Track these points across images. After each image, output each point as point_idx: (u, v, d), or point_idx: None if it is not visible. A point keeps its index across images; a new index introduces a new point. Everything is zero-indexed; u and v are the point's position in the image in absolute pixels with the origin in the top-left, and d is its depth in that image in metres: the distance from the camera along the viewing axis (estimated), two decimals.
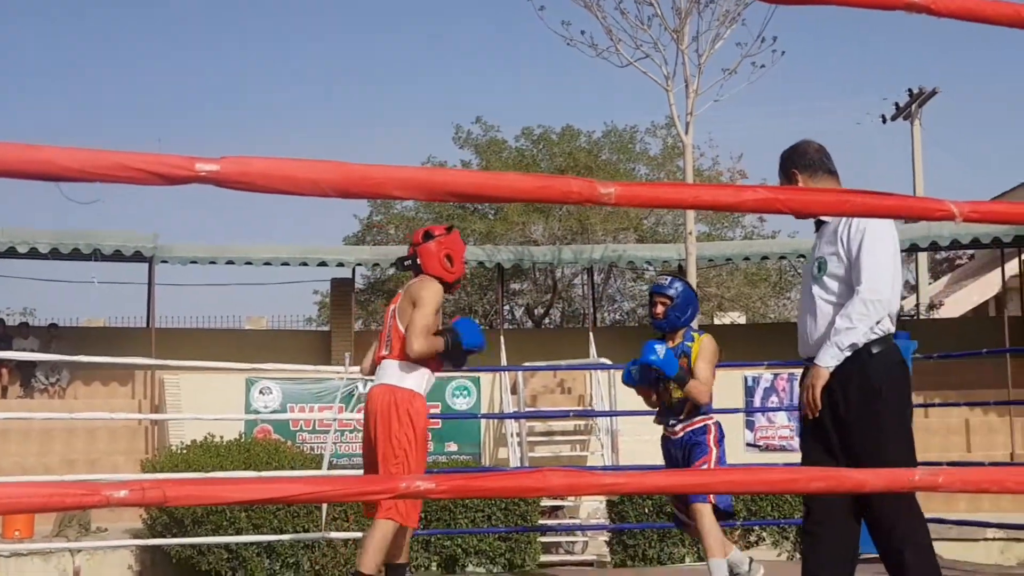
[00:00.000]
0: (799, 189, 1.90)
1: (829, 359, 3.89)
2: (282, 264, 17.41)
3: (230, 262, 17.14)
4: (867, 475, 1.86)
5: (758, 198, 1.83)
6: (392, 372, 5.05)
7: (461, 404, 14.97)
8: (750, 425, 15.32)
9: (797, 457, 15.03)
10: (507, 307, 24.39)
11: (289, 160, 1.71)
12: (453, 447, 14.67)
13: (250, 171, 1.68)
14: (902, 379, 3.98)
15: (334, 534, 8.37)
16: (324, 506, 7.88)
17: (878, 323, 3.91)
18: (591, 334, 16.66)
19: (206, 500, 1.61)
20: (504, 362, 16.30)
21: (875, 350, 3.92)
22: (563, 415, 14.75)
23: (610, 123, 26.62)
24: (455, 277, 5.17)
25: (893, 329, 3.97)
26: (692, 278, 13.07)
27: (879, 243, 3.89)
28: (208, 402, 13.30)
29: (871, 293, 3.86)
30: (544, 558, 11.04)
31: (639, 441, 13.87)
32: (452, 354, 5.03)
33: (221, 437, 11.09)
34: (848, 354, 3.89)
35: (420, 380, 5.06)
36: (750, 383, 15.44)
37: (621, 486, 1.79)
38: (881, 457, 3.79)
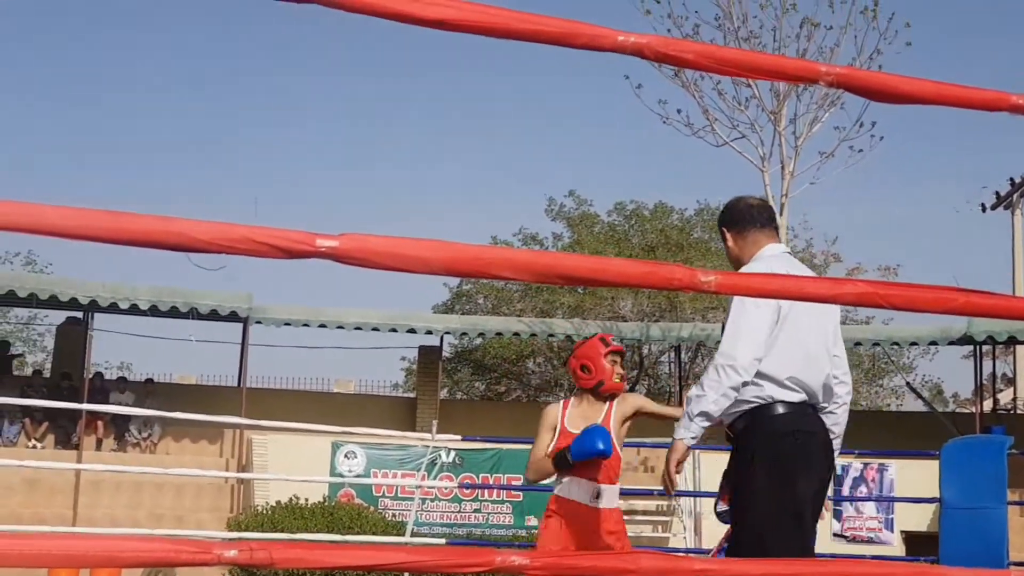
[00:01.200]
0: (901, 285, 1.91)
1: (682, 431, 3.64)
2: (372, 329, 17.61)
3: (322, 325, 17.41)
4: (960, 573, 1.86)
5: (858, 292, 1.85)
6: None
7: None
8: (838, 515, 15.03)
9: (886, 550, 14.76)
10: None
11: (405, 240, 1.78)
12: (532, 521, 14.61)
13: (367, 248, 1.75)
14: (783, 451, 3.59)
15: None
16: None
17: (760, 389, 3.59)
18: None
19: (312, 564, 1.67)
20: None
21: (741, 425, 3.65)
22: (646, 493, 14.60)
23: (703, 201, 26.58)
24: (593, 383, 5.09)
25: (795, 396, 3.62)
26: None
27: (738, 305, 3.59)
28: (294, 464, 13.46)
29: (721, 357, 3.60)
30: None
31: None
32: (563, 465, 4.96)
33: (306, 499, 11.19)
34: (704, 423, 3.60)
35: (563, 483, 5.09)
36: (840, 471, 15.17)
37: (710, 573, 1.81)
38: (743, 533, 3.60)
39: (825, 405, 3.76)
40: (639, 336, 18.67)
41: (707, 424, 3.64)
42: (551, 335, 19.23)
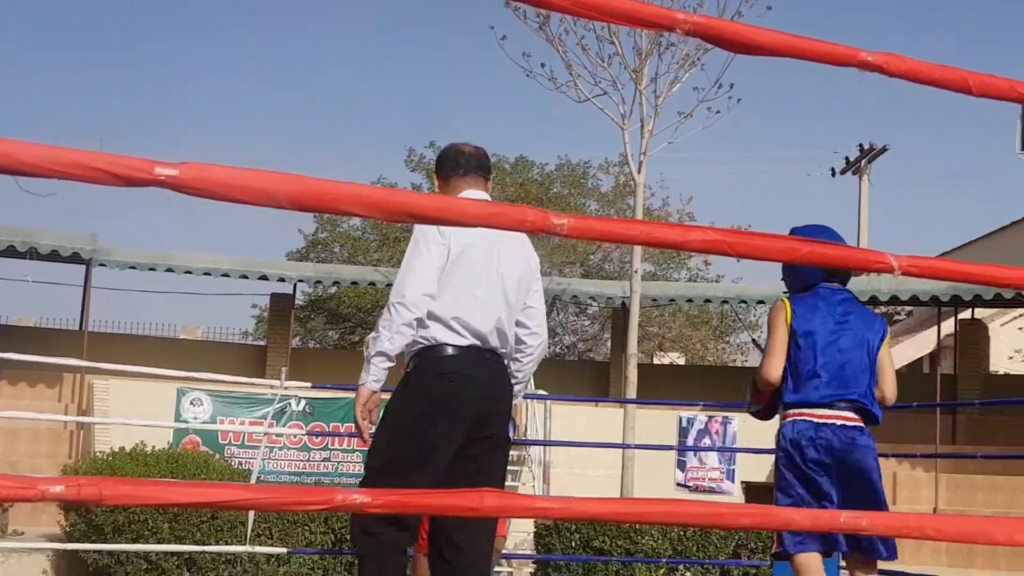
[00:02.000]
0: (748, 234, 1.94)
1: (364, 375, 3.67)
2: (222, 275, 17.27)
3: (169, 270, 16.99)
4: (795, 514, 1.90)
5: (706, 239, 1.87)
6: None
7: None
8: (682, 465, 15.42)
9: (727, 499, 15.27)
10: None
11: (249, 170, 1.72)
12: None
13: (209, 178, 1.69)
14: (433, 391, 3.66)
15: (258, 549, 8.30)
16: (250, 520, 7.81)
17: (427, 330, 3.65)
18: None
19: (143, 500, 1.61)
20: None
21: (411, 365, 3.72)
22: None
23: (563, 157, 26.75)
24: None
25: (459, 339, 3.66)
26: (635, 316, 13.15)
27: (412, 244, 3.70)
28: (138, 410, 13.14)
29: (393, 296, 3.65)
30: None
31: (571, 474, 13.93)
32: None
33: (152, 447, 10.96)
34: (383, 363, 3.62)
35: None
36: (684, 424, 15.55)
37: (551, 511, 1.82)
38: (370, 457, 3.72)
39: (504, 351, 3.79)
40: None
41: (387, 364, 3.64)
42: None
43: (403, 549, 3.76)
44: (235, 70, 47.65)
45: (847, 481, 4.29)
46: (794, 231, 4.43)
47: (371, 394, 3.67)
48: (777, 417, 4.56)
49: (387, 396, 3.86)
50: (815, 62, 1.85)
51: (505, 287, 3.75)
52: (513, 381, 3.88)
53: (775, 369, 4.36)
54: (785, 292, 4.52)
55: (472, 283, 3.68)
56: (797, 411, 4.34)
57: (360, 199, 1.82)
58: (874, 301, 17.75)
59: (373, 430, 3.79)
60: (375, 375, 3.65)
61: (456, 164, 3.90)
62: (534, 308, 3.86)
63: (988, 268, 2.02)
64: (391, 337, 3.59)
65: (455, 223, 1.91)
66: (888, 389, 4.45)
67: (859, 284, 16.24)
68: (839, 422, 4.32)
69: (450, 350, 3.66)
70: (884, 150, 28.04)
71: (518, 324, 3.84)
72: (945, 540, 1.94)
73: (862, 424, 4.40)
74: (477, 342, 3.69)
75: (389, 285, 17.97)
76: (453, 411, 3.65)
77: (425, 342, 3.68)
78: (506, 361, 3.84)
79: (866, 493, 4.30)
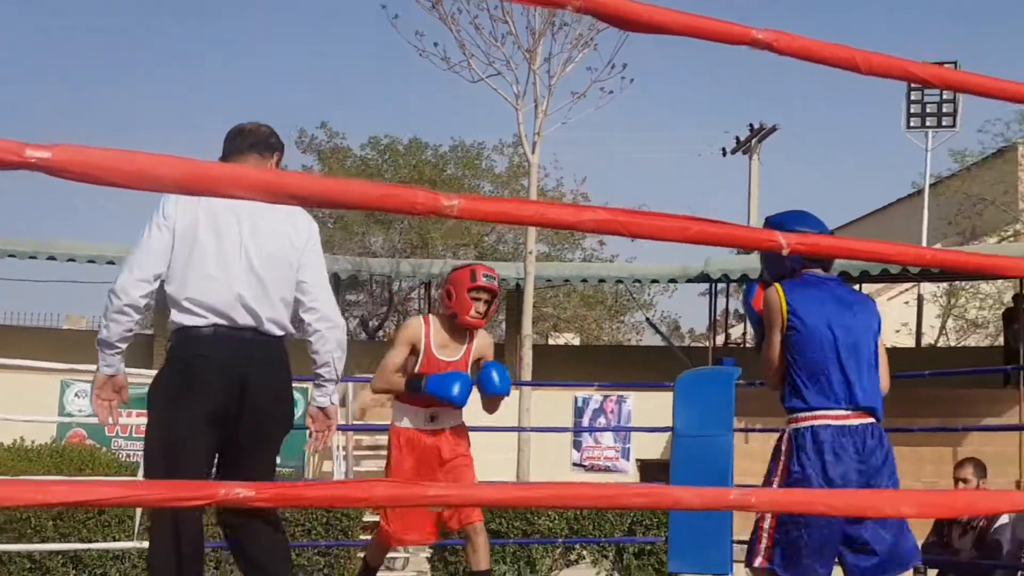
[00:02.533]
0: (640, 213, 1.92)
1: (98, 362, 3.63)
2: (107, 263, 16.84)
3: (51, 258, 16.50)
4: (686, 493, 1.90)
5: (598, 219, 1.85)
6: None
7: None
8: (577, 445, 15.52)
9: (622, 478, 15.36)
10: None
11: (127, 152, 1.65)
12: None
13: (85, 161, 1.61)
14: (170, 376, 3.64)
15: (147, 544, 8.10)
16: (138, 514, 7.62)
17: (172, 313, 3.64)
18: None
19: (15, 501, 1.53)
20: None
21: (169, 350, 3.71)
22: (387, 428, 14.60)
23: (457, 138, 26.67)
24: (449, 312, 5.01)
25: (195, 319, 3.62)
26: (529, 297, 13.18)
27: (145, 228, 3.66)
28: (19, 404, 12.75)
29: (112, 283, 3.64)
30: None
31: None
32: (414, 389, 4.95)
33: (33, 441, 10.66)
34: (107, 352, 3.58)
35: (397, 412, 5.16)
36: (580, 404, 15.65)
37: (446, 498, 1.78)
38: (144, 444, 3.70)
39: (271, 328, 3.68)
40: (389, 272, 18.62)
41: (111, 352, 3.59)
42: None
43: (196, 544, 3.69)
44: (115, 44, 46.56)
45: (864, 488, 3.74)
46: (768, 220, 4.09)
47: (106, 379, 3.61)
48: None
49: None
50: (708, 40, 1.84)
51: (252, 262, 3.63)
52: (314, 366, 3.78)
53: (779, 364, 3.89)
54: (762, 280, 4.12)
55: (202, 260, 3.61)
56: (810, 415, 3.80)
57: (242, 181, 1.76)
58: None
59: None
60: (104, 361, 3.60)
61: (232, 143, 3.81)
62: (306, 283, 3.72)
63: (874, 244, 2.04)
64: (107, 324, 3.57)
65: (344, 206, 1.86)
66: (886, 380, 4.03)
67: (751, 263, 16.50)
68: (858, 422, 3.82)
69: (189, 332, 3.61)
70: (774, 129, 28.51)
71: (297, 301, 3.74)
72: (835, 514, 1.96)
73: (878, 424, 3.92)
74: (221, 321, 3.60)
75: None
76: (194, 393, 3.58)
77: (172, 326, 3.66)
78: (281, 339, 3.72)
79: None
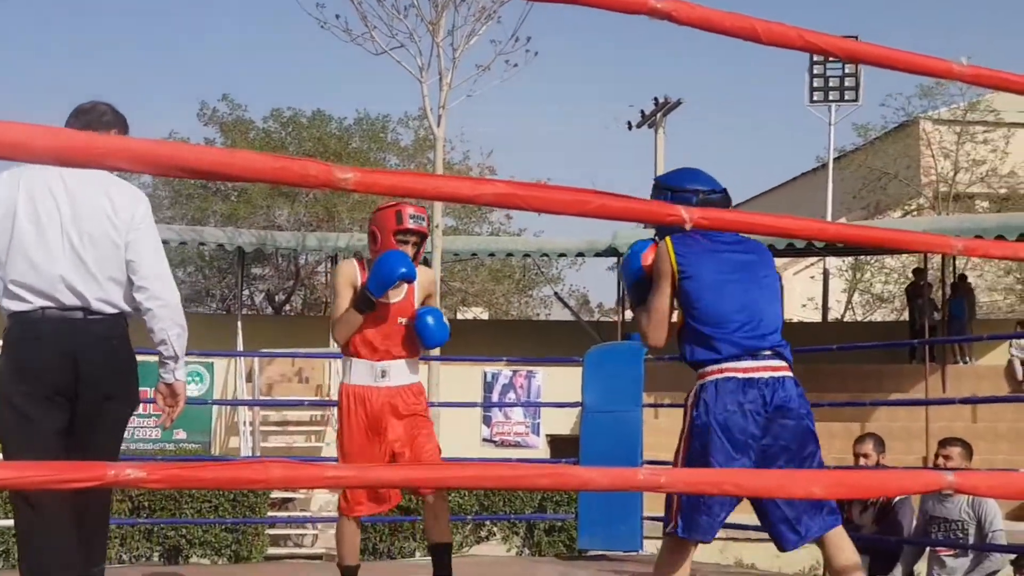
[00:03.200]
0: (540, 187, 1.89)
1: None
2: None
3: None
4: (593, 473, 1.87)
5: (498, 192, 1.81)
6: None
7: (192, 390, 14.50)
8: (487, 420, 15.54)
9: (532, 453, 15.34)
10: (246, 292, 23.85)
11: (4, 123, 1.57)
12: (182, 435, 14.20)
13: None
14: (5, 360, 3.64)
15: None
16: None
17: (6, 300, 3.64)
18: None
19: None
20: (240, 348, 15.92)
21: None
22: (297, 404, 14.51)
23: (362, 111, 26.43)
24: (374, 256, 4.55)
25: (19, 305, 3.62)
26: (437, 271, 13.12)
27: None
28: None
29: None
30: (272, 551, 10.82)
31: None
32: (367, 305, 4.52)
33: None
34: None
35: (346, 369, 4.74)
36: (489, 379, 15.66)
37: (343, 479, 1.74)
38: None
39: (103, 308, 3.69)
40: (295, 245, 18.42)
41: None
42: (202, 243, 18.61)
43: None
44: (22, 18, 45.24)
45: (787, 447, 3.56)
46: (658, 181, 3.86)
47: None
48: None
49: None
50: (605, 9, 1.81)
51: (73, 243, 3.64)
52: (157, 351, 3.78)
53: (665, 324, 3.66)
54: (654, 239, 3.85)
55: (23, 244, 3.62)
56: (714, 368, 3.58)
57: (130, 153, 1.69)
58: None
59: None
60: None
61: (69, 123, 3.79)
62: (134, 262, 3.71)
63: (776, 219, 2.03)
64: None
65: (234, 178, 1.79)
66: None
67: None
68: (767, 374, 3.59)
69: (19, 316, 3.63)
70: (679, 103, 28.70)
71: (129, 280, 3.74)
72: (745, 495, 1.95)
73: (790, 371, 3.67)
74: (48, 303, 3.62)
75: (183, 243, 17.30)
76: (31, 375, 3.60)
77: (5, 311, 3.66)
78: (116, 316, 3.72)
79: (809, 459, 3.58)
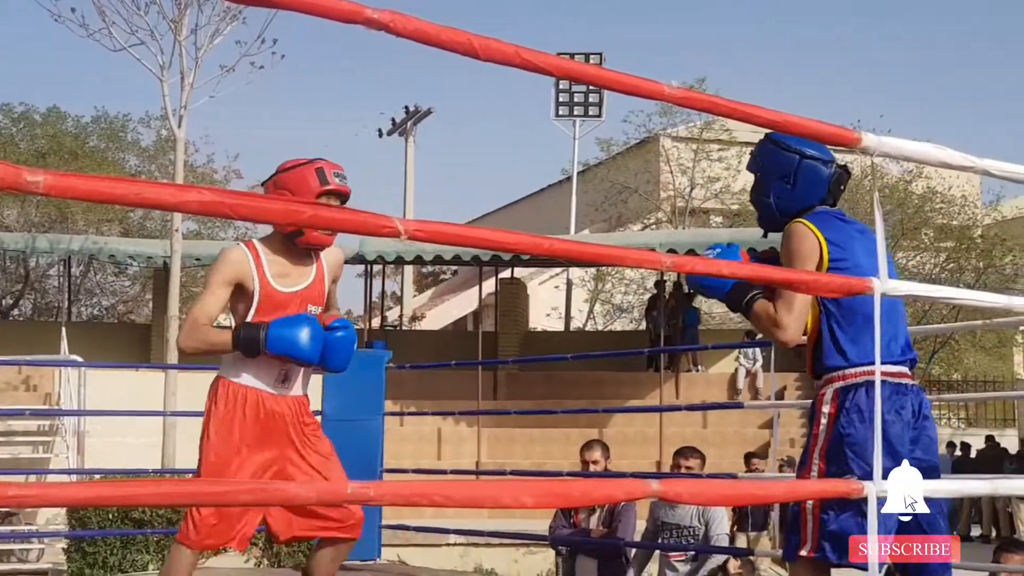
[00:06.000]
0: (252, 195, 1.83)
1: None
2: None
3: None
4: (300, 488, 1.83)
5: (203, 200, 1.73)
6: None
7: None
8: None
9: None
10: None
11: None
12: None
13: None
14: None
15: None
16: None
17: None
18: (64, 329, 15.69)
19: None
20: None
21: None
22: (19, 413, 13.67)
23: (101, 108, 25.32)
24: (291, 228, 3.53)
25: None
26: (176, 276, 12.71)
27: None
28: None
29: None
30: None
31: (109, 443, 13.26)
32: (249, 350, 3.58)
33: None
34: None
35: (233, 364, 3.75)
36: None
37: (24, 499, 1.62)
38: None
39: None
40: (24, 247, 17.44)
41: None
42: None
43: None
44: None
45: (930, 462, 3.15)
46: (770, 137, 3.29)
47: None
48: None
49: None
50: (317, 16, 1.76)
51: None
52: None
53: (808, 315, 3.20)
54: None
55: None
56: (864, 370, 3.11)
57: None
58: (419, 260, 18.27)
59: None
60: None
61: None
62: None
63: (492, 233, 2.03)
64: None
65: None
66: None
67: (408, 246, 16.59)
68: (908, 381, 3.20)
69: None
70: (429, 112, 28.88)
71: None
72: (455, 506, 1.93)
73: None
74: None
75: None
76: None
77: None
78: None
79: (933, 472, 3.12)
